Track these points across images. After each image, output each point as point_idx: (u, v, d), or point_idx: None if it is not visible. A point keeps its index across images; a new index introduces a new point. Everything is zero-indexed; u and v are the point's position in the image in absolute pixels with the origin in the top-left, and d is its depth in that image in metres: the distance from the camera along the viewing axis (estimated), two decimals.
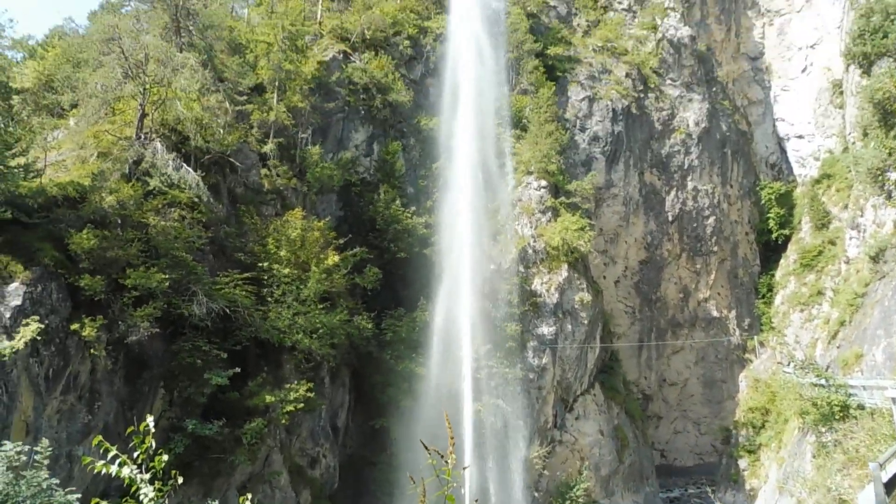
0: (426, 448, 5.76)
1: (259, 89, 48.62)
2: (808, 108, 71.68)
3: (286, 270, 39.20)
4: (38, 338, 25.35)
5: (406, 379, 44.62)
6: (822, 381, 41.75)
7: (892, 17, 52.10)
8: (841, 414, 39.24)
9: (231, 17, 53.03)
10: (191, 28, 43.85)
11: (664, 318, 66.17)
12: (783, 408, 46.95)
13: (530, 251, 52.24)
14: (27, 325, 25.25)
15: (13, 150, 28.88)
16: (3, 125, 28.83)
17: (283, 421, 34.73)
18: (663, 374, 65.63)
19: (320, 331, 38.29)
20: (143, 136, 36.40)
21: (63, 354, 26.94)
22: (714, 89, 72.95)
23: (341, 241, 44.52)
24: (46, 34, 54.01)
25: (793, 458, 43.34)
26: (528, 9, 67.90)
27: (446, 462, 5.40)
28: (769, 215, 70.84)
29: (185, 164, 36.57)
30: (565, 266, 52.04)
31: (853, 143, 60.39)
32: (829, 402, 39.88)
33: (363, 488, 43.84)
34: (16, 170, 28.46)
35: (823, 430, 39.78)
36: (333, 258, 41.98)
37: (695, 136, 68.88)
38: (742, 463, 52.64)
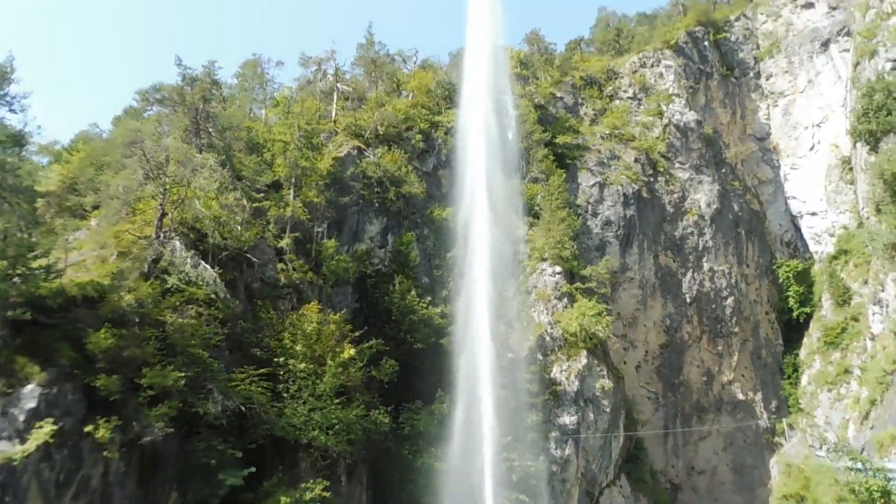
0: None
1: (276, 186, 49.74)
2: (818, 186, 71.99)
3: (302, 365, 38.94)
4: (51, 440, 25.05)
5: (425, 475, 43.28)
6: (859, 465, 40.04)
7: (894, 94, 52.93)
8: (882, 501, 37.44)
9: (249, 117, 54.96)
10: (210, 130, 45.38)
11: (688, 402, 64.47)
12: (819, 494, 44.81)
13: (548, 338, 51.63)
14: (41, 427, 25.00)
15: (35, 252, 29.46)
16: (26, 228, 29.50)
17: None
18: (691, 462, 63.29)
19: (336, 427, 37.65)
20: (162, 235, 37.09)
21: (76, 458, 26.52)
22: (723, 170, 73.70)
23: (357, 334, 44.32)
24: (72, 139, 56.15)
25: None
26: (536, 100, 69.86)
27: None
28: (788, 293, 70.01)
29: (202, 262, 37.07)
30: (584, 353, 51.26)
31: (867, 217, 60.22)
32: (868, 488, 38.10)
33: None
34: (37, 271, 28.93)
35: None
36: (349, 351, 41.74)
37: (707, 217, 69.11)
38: None
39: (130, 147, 38.39)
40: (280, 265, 45.88)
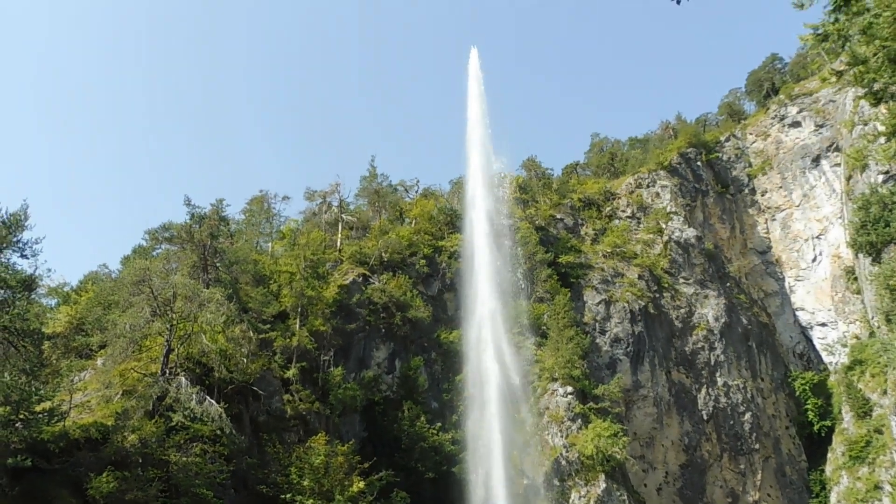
0: None
1: (282, 316, 49.92)
2: (825, 296, 71.98)
3: (310, 502, 37.49)
4: None
5: None
6: None
7: (889, 207, 53.90)
8: None
9: (256, 250, 56.02)
10: (217, 265, 46.15)
11: None
12: None
13: (563, 462, 49.95)
14: None
15: (39, 395, 29.15)
16: (31, 371, 29.34)
17: None
18: None
19: None
20: (168, 372, 36.84)
21: None
22: (728, 284, 74.03)
23: (366, 465, 42.97)
24: (81, 280, 56.98)
25: None
26: (536, 222, 71.32)
27: None
28: (807, 406, 68.30)
29: (208, 397, 36.56)
30: (602, 476, 49.39)
31: (878, 327, 59.70)
32: None
33: None
34: (40, 415, 28.51)
35: None
36: (359, 484, 40.30)
37: (716, 331, 68.70)
38: None
39: (138, 285, 38.82)
40: (286, 396, 45.21)
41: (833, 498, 59.70)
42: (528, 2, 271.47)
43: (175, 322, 38.01)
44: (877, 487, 53.68)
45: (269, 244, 58.96)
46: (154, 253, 50.25)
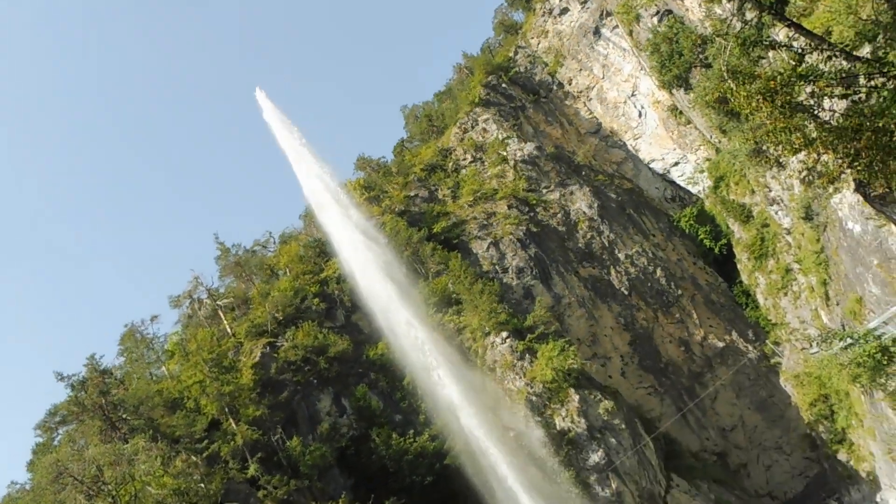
0: None
1: (215, 424, 48.15)
2: (665, 140, 76.92)
3: None
4: None
5: None
6: (849, 340, 41.55)
7: (674, 39, 58.15)
8: (885, 358, 38.80)
9: (152, 381, 53.52)
10: (124, 416, 43.91)
11: (684, 377, 65.20)
12: (836, 385, 46.08)
13: (534, 398, 51.47)
14: None
15: None
16: None
17: None
18: (719, 424, 63.47)
19: None
20: None
21: None
22: (584, 173, 77.76)
23: None
24: None
25: (879, 422, 41.93)
26: (396, 210, 71.82)
27: None
28: (700, 237, 73.22)
29: None
30: (572, 391, 51.39)
31: (718, 141, 64.68)
32: (869, 353, 39.52)
33: None
34: None
35: (883, 381, 39.01)
36: None
37: (595, 217, 72.13)
38: (841, 455, 50.35)
39: (58, 482, 36.47)
40: (261, 493, 43.86)
41: (760, 299, 64.80)
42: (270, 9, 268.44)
43: (116, 492, 35.95)
44: (788, 271, 58.71)
45: (163, 368, 56.38)
46: (56, 443, 47.11)
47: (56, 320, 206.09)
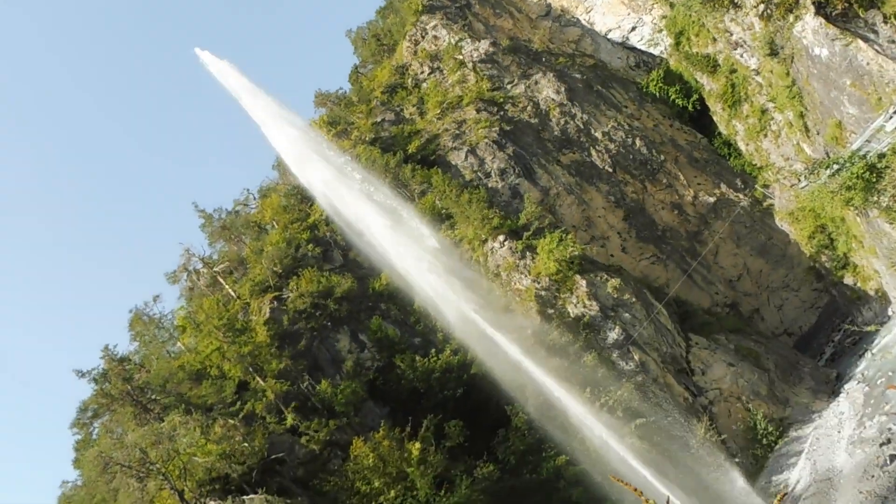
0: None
1: (243, 386, 49.02)
2: (618, 6, 75.33)
3: (392, 494, 38.49)
4: None
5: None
6: (836, 166, 41.92)
7: None
8: (874, 175, 39.25)
9: (171, 359, 54.11)
10: (153, 397, 44.68)
11: (683, 239, 66.12)
12: (831, 213, 46.75)
13: (543, 293, 52.22)
14: None
15: None
16: None
17: None
18: (725, 277, 64.89)
19: None
20: None
21: None
22: (544, 59, 76.22)
23: (407, 429, 43.95)
24: None
25: (878, 239, 42.77)
26: (367, 139, 70.77)
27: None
28: (671, 97, 72.70)
29: (243, 496, 36.22)
30: (578, 277, 52.12)
31: None
32: (857, 174, 39.96)
33: None
34: None
35: (875, 199, 39.57)
36: (415, 449, 41.41)
37: (564, 101, 71.23)
38: (848, 280, 51.65)
39: (107, 472, 37.51)
40: (303, 439, 45.13)
41: (742, 146, 64.90)
42: None
43: (165, 469, 36.98)
44: (763, 112, 58.53)
45: (178, 344, 56.85)
46: (94, 436, 48.10)
47: (50, 320, 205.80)
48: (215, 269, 62.70)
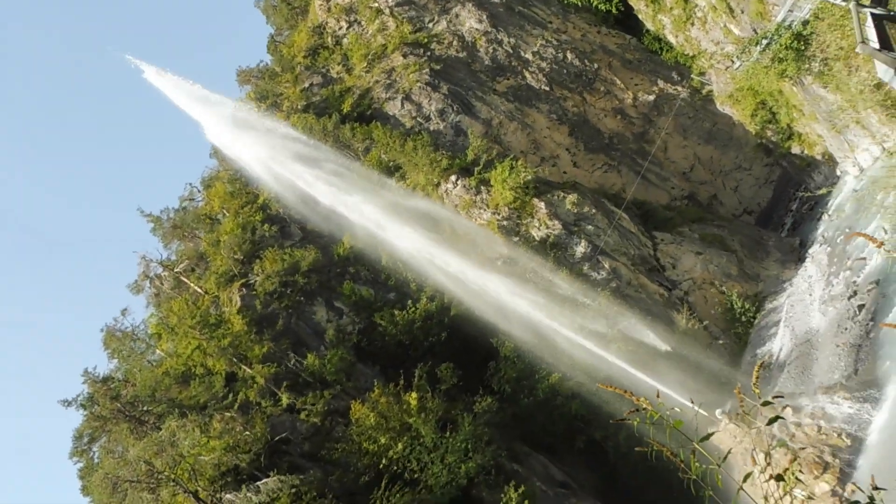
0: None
1: (231, 378, 48.92)
2: None
3: (399, 447, 39.16)
4: None
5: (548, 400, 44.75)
6: (764, 41, 42.24)
7: None
8: (801, 43, 39.63)
9: (154, 367, 53.61)
10: (145, 409, 44.50)
11: (630, 142, 66.54)
12: (768, 87, 47.30)
13: (505, 222, 52.54)
14: None
15: None
16: None
17: None
18: (678, 170, 65.74)
19: (473, 445, 38.57)
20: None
21: None
22: None
23: (401, 383, 44.44)
24: None
25: (816, 104, 43.50)
26: (299, 106, 69.29)
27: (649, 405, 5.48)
28: (594, 3, 72.04)
29: (257, 484, 36.55)
30: (535, 200, 52.48)
31: None
32: (786, 45, 40.30)
33: None
34: None
35: (807, 66, 40.04)
36: (412, 396, 41.98)
37: (488, 28, 70.15)
38: (795, 149, 52.70)
39: (117, 492, 37.72)
40: (301, 415, 45.43)
41: (672, 39, 64.81)
42: None
43: (174, 475, 37.10)
44: (686, 1, 58.30)
45: (157, 352, 56.26)
46: (96, 460, 47.98)
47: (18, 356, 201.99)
48: (176, 269, 61.66)
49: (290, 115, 67.60)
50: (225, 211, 65.09)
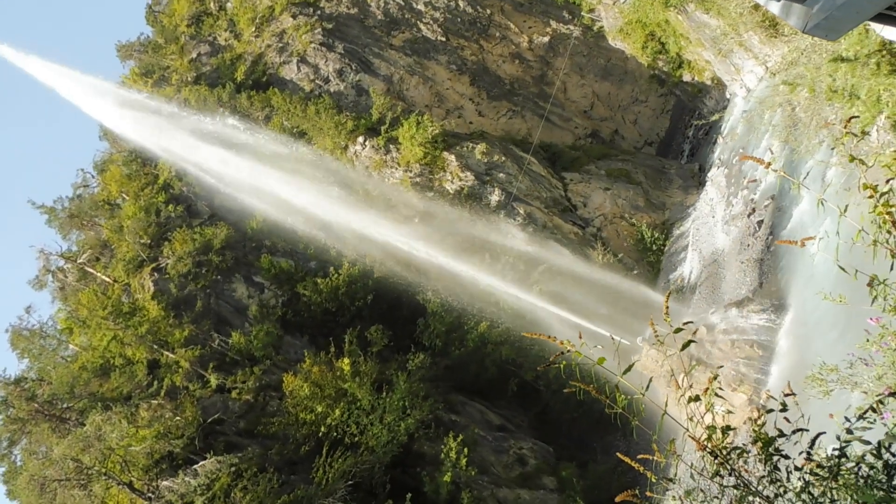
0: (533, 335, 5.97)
1: (154, 365, 47.58)
2: None
3: (337, 413, 39.27)
4: None
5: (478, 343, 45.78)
6: None
7: None
8: None
9: (70, 363, 51.41)
10: (65, 406, 42.79)
11: (531, 86, 67.19)
12: (655, 18, 48.48)
13: (418, 179, 52.47)
14: None
15: None
16: None
17: None
18: (579, 109, 67.07)
19: (412, 402, 39.11)
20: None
21: None
22: None
23: (332, 351, 44.32)
24: None
25: (701, 31, 44.91)
26: (188, 78, 66.37)
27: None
28: None
29: (193, 468, 36.03)
30: (445, 154, 52.60)
31: None
32: None
33: None
34: None
35: None
36: (344, 362, 42.05)
37: None
38: (686, 77, 54.47)
39: (45, 493, 36.28)
40: (233, 394, 44.83)
41: None
42: None
43: (105, 469, 36.10)
44: None
45: (70, 346, 53.82)
46: (19, 463, 45.99)
47: None
48: (79, 260, 58.72)
49: (180, 89, 64.66)
50: (124, 195, 62.05)
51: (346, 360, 42.33)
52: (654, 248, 48.79)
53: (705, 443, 5.63)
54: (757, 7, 36.45)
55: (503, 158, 53.00)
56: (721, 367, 28.78)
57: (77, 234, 63.95)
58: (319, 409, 40.64)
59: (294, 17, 67.00)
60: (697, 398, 5.61)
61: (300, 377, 42.06)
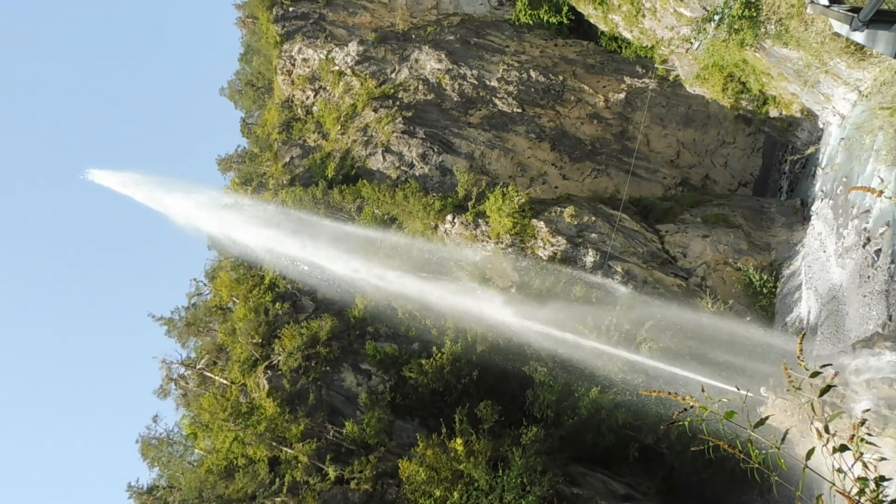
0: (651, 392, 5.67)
1: (274, 462, 48.41)
2: None
3: (455, 496, 38.58)
4: None
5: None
6: (717, 16, 42.83)
7: None
8: (752, 10, 40.14)
9: (196, 468, 53.08)
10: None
11: (612, 143, 66.80)
12: (732, 60, 47.75)
13: (510, 251, 52.55)
14: None
15: None
16: None
17: None
18: (665, 159, 65.94)
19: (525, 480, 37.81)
20: None
21: None
22: (413, 36, 76.01)
23: (443, 434, 43.93)
24: None
25: (783, 65, 43.77)
26: (284, 183, 69.92)
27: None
28: (544, 19, 72.99)
29: None
30: (534, 221, 52.67)
31: None
32: (738, 15, 40.86)
33: None
34: None
35: (763, 30, 40.40)
36: (458, 444, 41.51)
37: (450, 65, 71.05)
38: (773, 112, 52.89)
39: None
40: (352, 484, 44.88)
41: (627, 35, 65.25)
42: None
43: None
44: None
45: (196, 452, 55.92)
46: None
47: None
48: (198, 366, 61.58)
49: (277, 192, 68.29)
50: (234, 298, 65.19)
51: (459, 440, 41.80)
52: (765, 291, 46.42)
53: (857, 497, 5.12)
54: (838, 34, 35.32)
55: (593, 218, 52.47)
56: (867, 409, 26.53)
57: (194, 341, 67.35)
58: (438, 493, 40.06)
59: (375, 110, 70.15)
60: (845, 448, 5.13)
61: (415, 462, 41.78)
